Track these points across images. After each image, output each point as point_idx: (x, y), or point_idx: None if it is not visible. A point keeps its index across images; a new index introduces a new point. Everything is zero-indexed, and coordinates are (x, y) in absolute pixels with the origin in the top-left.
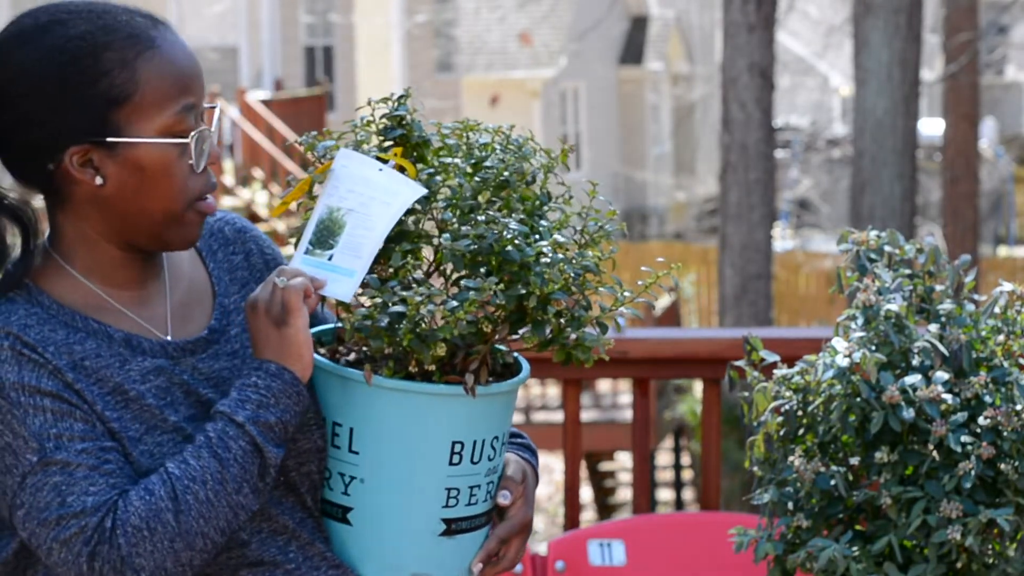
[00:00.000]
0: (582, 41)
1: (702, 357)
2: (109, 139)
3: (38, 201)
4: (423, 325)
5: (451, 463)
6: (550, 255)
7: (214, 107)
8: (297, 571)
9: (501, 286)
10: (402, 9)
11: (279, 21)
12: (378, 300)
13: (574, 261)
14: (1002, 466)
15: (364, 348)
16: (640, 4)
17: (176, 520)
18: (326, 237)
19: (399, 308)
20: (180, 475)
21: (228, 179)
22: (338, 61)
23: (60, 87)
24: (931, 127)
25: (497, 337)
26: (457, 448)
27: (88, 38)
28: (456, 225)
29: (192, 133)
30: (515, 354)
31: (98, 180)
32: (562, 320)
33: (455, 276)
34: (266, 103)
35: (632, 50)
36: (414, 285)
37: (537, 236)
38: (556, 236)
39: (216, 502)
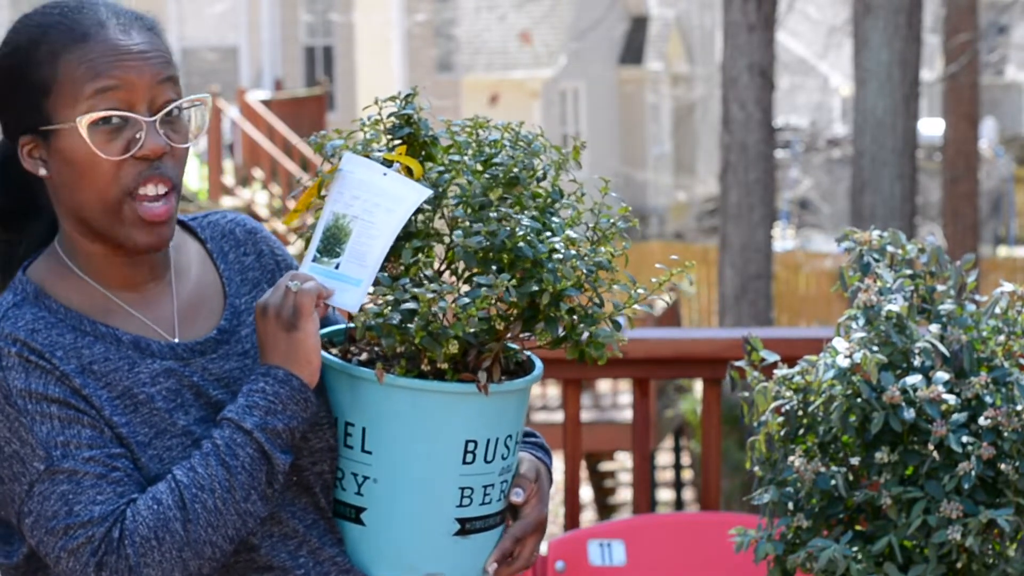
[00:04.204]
0: (582, 41)
1: (702, 357)
2: (40, 128)
3: None
4: (435, 323)
5: (465, 462)
6: (563, 251)
7: (199, 102)
8: None
9: (514, 282)
10: (402, 8)
11: (279, 21)
12: (390, 297)
13: (587, 258)
14: (1002, 466)
15: (376, 348)
16: (640, 4)
17: (184, 529)
18: (332, 245)
19: (411, 305)
20: (188, 483)
21: (228, 179)
22: (338, 61)
23: (7, 78)
24: (931, 127)
25: (509, 335)
26: (471, 447)
27: (33, 32)
28: (467, 222)
29: (83, 117)
30: (527, 352)
31: (42, 171)
32: (575, 317)
33: (467, 273)
34: (266, 103)
35: (632, 50)
36: (425, 282)
37: (549, 233)
38: (569, 232)
39: (224, 510)
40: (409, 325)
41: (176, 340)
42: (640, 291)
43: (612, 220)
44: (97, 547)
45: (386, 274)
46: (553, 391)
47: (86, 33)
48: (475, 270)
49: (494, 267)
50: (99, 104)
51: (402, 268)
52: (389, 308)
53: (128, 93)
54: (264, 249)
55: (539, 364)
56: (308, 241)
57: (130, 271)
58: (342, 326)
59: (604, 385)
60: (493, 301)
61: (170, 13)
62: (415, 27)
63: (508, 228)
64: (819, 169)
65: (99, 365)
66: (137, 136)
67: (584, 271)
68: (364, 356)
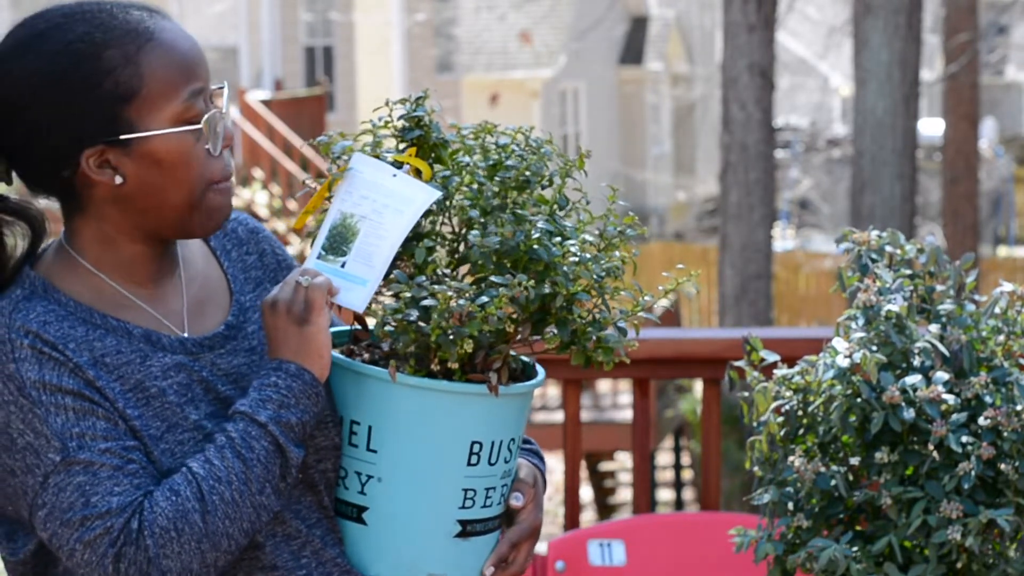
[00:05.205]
0: (582, 41)
1: (702, 357)
2: (123, 137)
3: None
4: (448, 323)
5: (469, 463)
6: (578, 255)
7: (221, 87)
8: None
9: (532, 283)
10: (402, 8)
11: (279, 21)
12: (407, 295)
13: (601, 262)
14: (1002, 466)
15: (378, 349)
16: (640, 4)
17: (203, 521)
18: (339, 244)
19: (430, 302)
20: (205, 475)
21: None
22: (338, 61)
23: (66, 92)
24: (931, 127)
25: (519, 337)
26: (476, 448)
27: (87, 39)
28: (481, 224)
29: (204, 117)
30: (524, 358)
31: (117, 179)
32: (584, 321)
33: (480, 275)
34: (266, 103)
35: (632, 50)
36: (445, 279)
37: (559, 237)
38: (585, 236)
39: (241, 502)
40: (423, 324)
41: (186, 335)
42: (647, 299)
43: (619, 228)
44: (116, 538)
45: (402, 272)
46: (553, 391)
47: (148, 30)
48: (485, 272)
49: (508, 266)
50: (196, 103)
51: (414, 268)
52: (406, 305)
53: (206, 88)
54: (266, 248)
55: (541, 369)
56: (312, 240)
57: (150, 267)
58: (346, 327)
59: (604, 385)
60: (510, 300)
61: (170, 13)
62: (415, 27)
63: (524, 230)
64: (819, 169)
65: (111, 357)
66: (219, 130)
67: (596, 276)
68: (367, 356)
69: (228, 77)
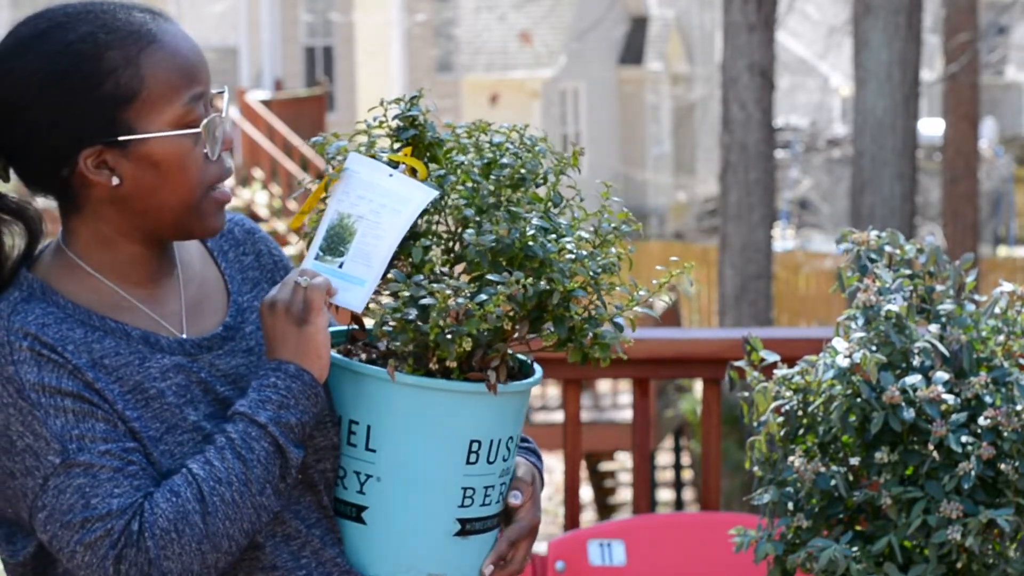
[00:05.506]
0: (582, 41)
1: (702, 357)
2: (121, 138)
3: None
4: (447, 322)
5: (468, 462)
6: (574, 251)
7: (222, 92)
8: None
9: (530, 280)
10: (402, 8)
11: (279, 21)
12: (406, 294)
13: (597, 258)
14: (1002, 466)
15: (375, 349)
16: (640, 4)
17: (204, 522)
18: (336, 244)
19: (428, 300)
20: (205, 476)
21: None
22: (338, 61)
23: (66, 92)
24: (931, 127)
25: (516, 335)
26: (475, 447)
27: (89, 39)
28: (476, 222)
29: (203, 121)
30: (521, 356)
31: (115, 180)
32: (580, 318)
33: (476, 273)
34: (266, 103)
35: (632, 50)
36: (444, 278)
37: (555, 235)
38: (580, 233)
39: (241, 503)
40: (422, 323)
41: (184, 336)
42: (641, 293)
43: (613, 224)
44: (116, 540)
45: (400, 271)
46: (553, 391)
47: (151, 32)
48: (481, 270)
49: (503, 264)
50: (196, 108)
51: (411, 267)
52: (404, 304)
53: (207, 93)
54: (263, 249)
55: (538, 367)
56: (309, 240)
57: (148, 268)
58: (343, 327)
59: (604, 385)
60: (507, 298)
61: (170, 13)
62: (415, 27)
63: (519, 228)
64: (819, 169)
65: (110, 359)
66: (217, 135)
67: (592, 272)
68: (364, 356)
69: (228, 77)
